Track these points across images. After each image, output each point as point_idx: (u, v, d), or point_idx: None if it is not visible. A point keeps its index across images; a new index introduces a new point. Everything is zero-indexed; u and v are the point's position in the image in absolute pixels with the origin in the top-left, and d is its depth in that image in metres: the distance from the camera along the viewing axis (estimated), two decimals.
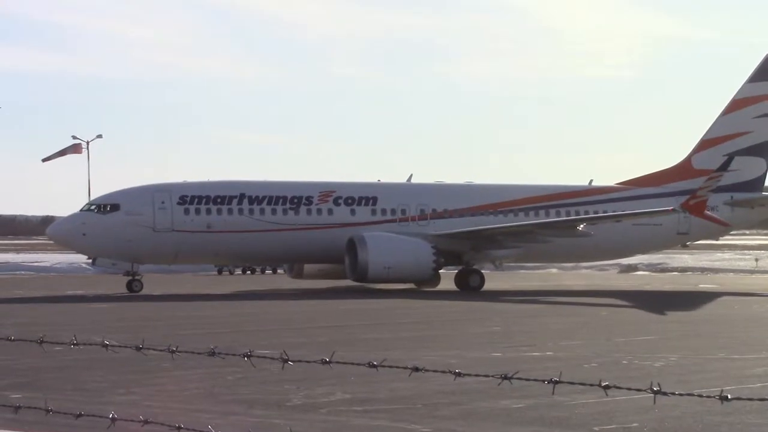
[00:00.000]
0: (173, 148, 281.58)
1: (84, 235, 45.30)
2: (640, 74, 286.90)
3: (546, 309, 37.20)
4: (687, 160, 55.04)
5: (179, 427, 6.60)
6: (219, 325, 30.06)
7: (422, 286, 48.15)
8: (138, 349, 7.08)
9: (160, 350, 7.03)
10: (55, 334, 13.89)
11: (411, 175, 53.96)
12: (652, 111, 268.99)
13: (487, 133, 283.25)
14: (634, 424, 13.25)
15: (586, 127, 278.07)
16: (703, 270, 68.47)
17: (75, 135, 76.54)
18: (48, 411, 7.57)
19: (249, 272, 70.47)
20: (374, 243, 46.12)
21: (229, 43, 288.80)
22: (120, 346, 7.34)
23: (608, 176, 56.53)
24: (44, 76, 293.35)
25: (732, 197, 53.69)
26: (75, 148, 74.91)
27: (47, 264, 71.47)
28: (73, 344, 7.51)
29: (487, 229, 48.85)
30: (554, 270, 68.11)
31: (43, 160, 75.07)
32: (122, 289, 46.69)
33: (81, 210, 46.43)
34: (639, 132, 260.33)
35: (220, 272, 68.83)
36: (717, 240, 63.85)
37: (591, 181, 54.54)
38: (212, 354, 6.75)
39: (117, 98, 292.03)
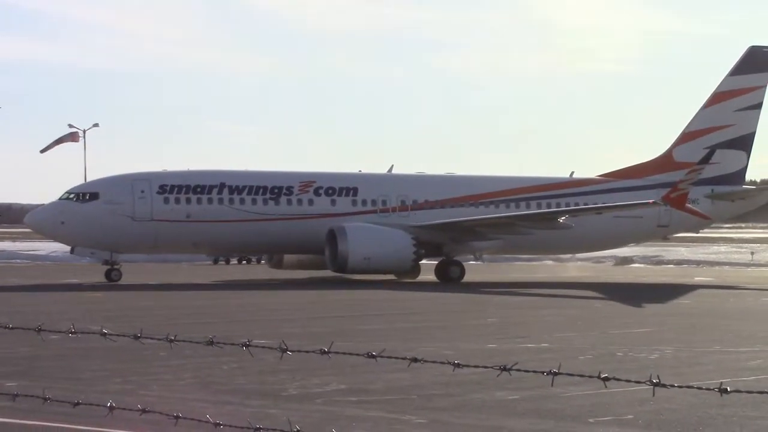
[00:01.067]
0: (169, 137, 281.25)
1: (62, 223, 44.96)
2: (632, 68, 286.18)
3: (541, 301, 37.23)
4: (668, 153, 55.01)
5: (177, 416, 6.62)
6: (215, 314, 30.09)
7: (402, 277, 47.99)
8: (136, 338, 7.09)
9: (158, 339, 7.04)
10: (52, 322, 13.91)
11: (392, 166, 53.87)
12: (642, 103, 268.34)
13: (468, 124, 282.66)
14: (629, 416, 13.29)
15: (572, 120, 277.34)
16: (699, 263, 68.51)
17: (71, 123, 76.47)
18: (46, 399, 7.58)
19: (245, 262, 70.32)
20: (354, 234, 45.96)
21: (224, 35, 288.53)
22: (118, 335, 7.34)
23: (591, 168, 56.21)
24: (40, 66, 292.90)
25: (713, 190, 53.74)
26: (72, 137, 74.80)
27: (43, 252, 71.37)
28: (71, 333, 7.52)
29: (467, 221, 48.70)
30: (550, 262, 68.17)
31: (42, 151, 74.98)
32: (122, 279, 46.66)
33: (60, 198, 46.02)
34: (628, 125, 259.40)
35: (215, 262, 68.68)
36: (697, 233, 63.81)
37: (572, 173, 54.49)
38: (210, 343, 6.76)
39: (114, 88, 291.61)
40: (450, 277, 47.68)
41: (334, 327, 26.06)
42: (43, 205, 48.54)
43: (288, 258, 50.89)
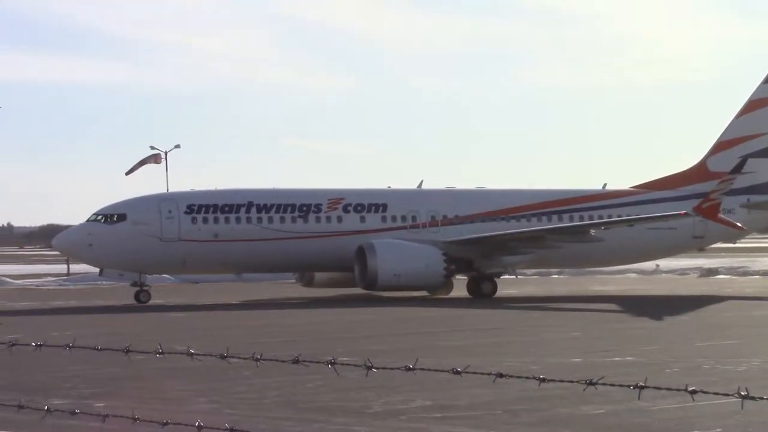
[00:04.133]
0: (248, 157, 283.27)
1: (90, 245, 44.92)
2: (696, 78, 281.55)
3: (624, 315, 36.93)
4: (703, 163, 54.08)
5: None
6: (297, 332, 30.22)
7: (435, 293, 47.51)
8: (222, 357, 7.15)
9: (244, 358, 7.09)
10: (136, 343, 14.08)
11: (422, 181, 53.56)
12: (702, 113, 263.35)
13: (499, 137, 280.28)
14: (718, 430, 13.15)
15: (618, 131, 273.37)
16: None
17: (153, 145, 77.10)
18: (135, 419, 7.67)
19: None
20: (383, 250, 45.45)
21: (300, 54, 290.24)
22: (204, 355, 7.41)
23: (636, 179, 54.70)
24: (121, 89, 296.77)
25: (748, 200, 52.75)
26: (155, 158, 75.27)
27: None
28: (159, 353, 7.60)
29: (497, 235, 48.08)
30: (633, 275, 67.49)
31: (127, 173, 75.53)
32: (203, 299, 46.98)
33: (87, 220, 45.98)
34: (675, 134, 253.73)
35: (299, 280, 68.23)
36: (734, 243, 62.52)
37: (605, 185, 53.80)
38: (296, 362, 6.79)
39: (194, 109, 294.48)
40: (482, 293, 47.08)
41: (419, 343, 26.06)
42: (71, 227, 48.64)
43: (319, 276, 50.34)
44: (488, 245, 47.99)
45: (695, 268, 68.74)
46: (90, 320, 35.97)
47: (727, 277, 66.99)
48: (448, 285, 47.63)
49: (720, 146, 53.98)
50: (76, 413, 8.66)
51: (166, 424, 7.53)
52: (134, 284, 45.89)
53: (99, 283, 60.63)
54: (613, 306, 40.10)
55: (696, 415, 13.98)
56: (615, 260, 54.94)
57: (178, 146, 79.17)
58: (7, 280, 66.69)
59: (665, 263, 68.78)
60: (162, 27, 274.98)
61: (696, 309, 38.86)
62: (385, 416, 14.53)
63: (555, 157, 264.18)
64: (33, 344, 8.65)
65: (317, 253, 47.38)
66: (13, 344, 8.71)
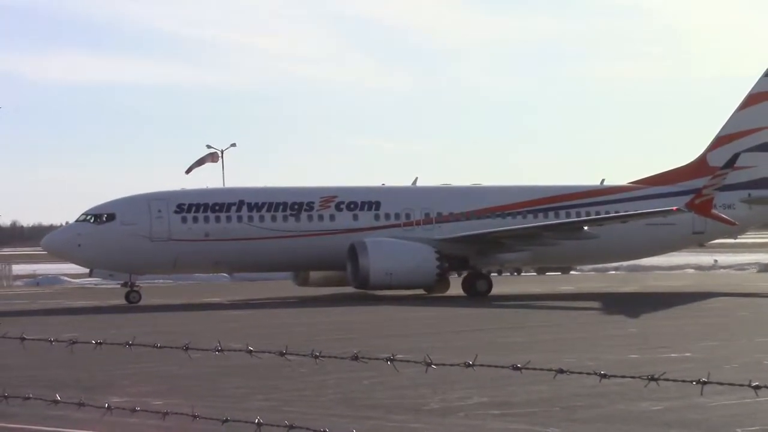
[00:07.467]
0: (304, 154, 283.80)
1: (79, 246, 44.57)
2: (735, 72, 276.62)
3: (682, 311, 36.69)
4: (702, 158, 53.26)
5: None
6: (354, 330, 30.27)
7: (431, 291, 46.97)
8: (281, 354, 7.18)
9: (303, 355, 7.12)
10: (194, 340, 14.10)
11: (416, 179, 53.16)
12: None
13: (500, 134, 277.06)
14: None
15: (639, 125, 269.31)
16: None
17: (209, 144, 77.46)
18: (194, 417, 7.72)
19: None
20: (375, 248, 44.92)
21: (358, 53, 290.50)
22: (263, 352, 7.44)
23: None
24: (178, 88, 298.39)
25: (749, 195, 51.92)
26: (212, 157, 75.59)
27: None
28: (218, 350, 7.64)
29: (490, 233, 47.39)
30: (691, 270, 67.06)
31: (187, 172, 75.86)
32: (258, 295, 47.09)
33: (76, 220, 45.80)
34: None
35: None
36: (735, 239, 61.34)
37: (603, 180, 53.14)
38: (355, 358, 6.81)
39: (249, 108, 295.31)
40: (477, 291, 46.42)
41: (476, 340, 26.06)
42: (60, 227, 48.19)
43: (314, 275, 49.64)
44: (483, 243, 47.20)
45: (753, 263, 68.18)
46: (146, 318, 36.24)
47: None
48: (443, 283, 47.01)
49: (720, 141, 53.00)
50: (136, 410, 8.74)
51: (226, 421, 7.58)
52: (124, 285, 45.45)
53: (155, 281, 61.06)
54: (669, 301, 39.89)
55: (756, 411, 13.89)
56: (613, 256, 54.30)
57: (233, 145, 79.52)
58: (66, 279, 67.41)
59: (723, 258, 68.24)
60: (222, 27, 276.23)
61: (755, 304, 38.53)
62: (443, 413, 14.53)
63: (553, 152, 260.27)
64: (93, 342, 8.73)
65: (310, 251, 46.74)
66: (73, 342, 8.79)
